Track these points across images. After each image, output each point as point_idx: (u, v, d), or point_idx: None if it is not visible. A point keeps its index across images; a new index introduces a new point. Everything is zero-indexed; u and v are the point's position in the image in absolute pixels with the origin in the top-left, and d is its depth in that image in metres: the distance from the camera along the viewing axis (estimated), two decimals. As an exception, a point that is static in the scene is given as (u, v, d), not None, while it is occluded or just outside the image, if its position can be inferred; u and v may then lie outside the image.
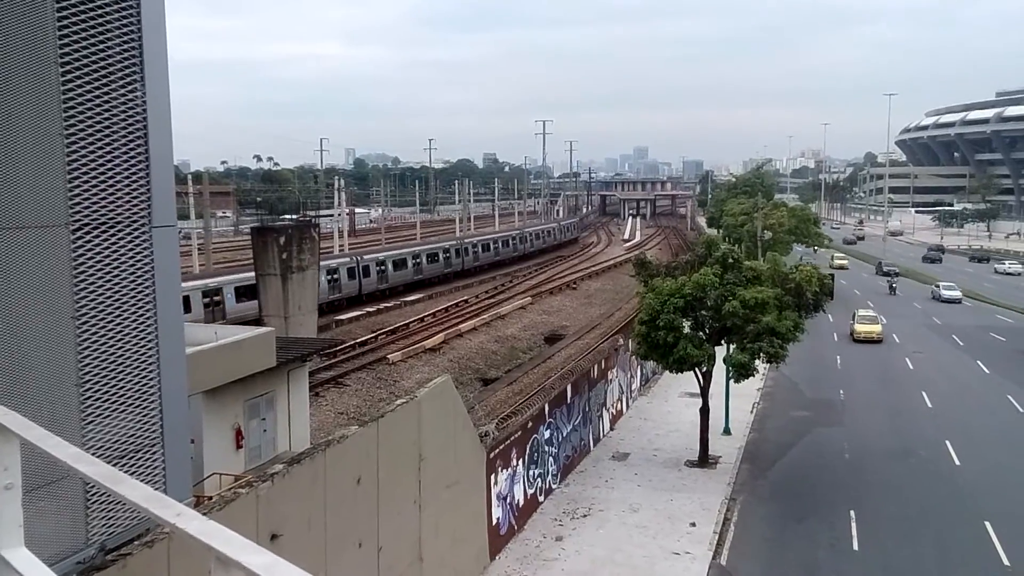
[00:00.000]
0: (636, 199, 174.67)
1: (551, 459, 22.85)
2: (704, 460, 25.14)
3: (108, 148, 7.84)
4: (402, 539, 14.43)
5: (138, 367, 8.21)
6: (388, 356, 35.92)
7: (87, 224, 7.68)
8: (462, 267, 66.95)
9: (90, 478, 2.85)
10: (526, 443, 21.01)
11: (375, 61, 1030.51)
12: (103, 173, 7.81)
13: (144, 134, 8.16)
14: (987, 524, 20.79)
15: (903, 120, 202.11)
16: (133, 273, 8.16)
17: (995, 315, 57.27)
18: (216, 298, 39.85)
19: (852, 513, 21.60)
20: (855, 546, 19.86)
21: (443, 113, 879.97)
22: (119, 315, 8.01)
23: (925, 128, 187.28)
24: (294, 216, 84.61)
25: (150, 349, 8.34)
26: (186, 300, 33.97)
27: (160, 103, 8.31)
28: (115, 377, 7.96)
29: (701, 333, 24.95)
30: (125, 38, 7.91)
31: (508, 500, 19.67)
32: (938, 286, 65.08)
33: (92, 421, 7.74)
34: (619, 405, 30.42)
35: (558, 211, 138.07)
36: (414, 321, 45.18)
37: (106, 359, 7.86)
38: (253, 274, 40.69)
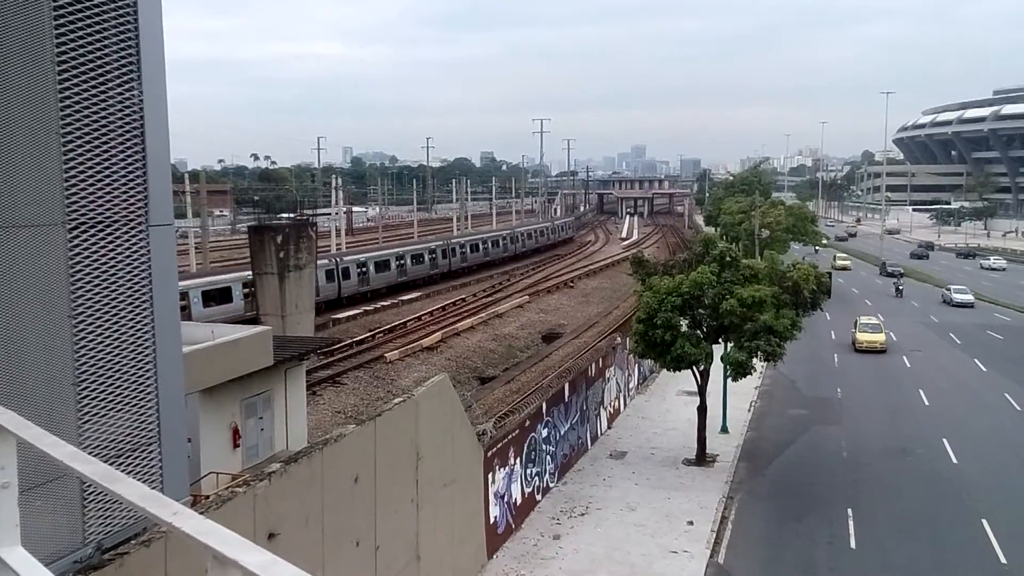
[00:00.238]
0: (634, 197, 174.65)
1: (549, 458, 22.86)
2: (702, 458, 25.16)
3: (105, 147, 7.84)
4: (400, 538, 14.44)
5: (135, 366, 8.20)
6: (385, 355, 35.88)
7: (84, 223, 7.67)
8: (449, 268, 63.73)
9: (87, 477, 2.85)
10: (524, 442, 21.02)
11: (373, 60, 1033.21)
12: (100, 172, 7.80)
13: (141, 133, 8.16)
14: (984, 522, 20.83)
15: (901, 118, 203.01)
16: (130, 272, 8.16)
17: (993, 314, 57.35)
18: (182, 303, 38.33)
19: (849, 511, 21.62)
20: (852, 544, 19.88)
21: (441, 112, 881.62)
22: (116, 314, 8.00)
23: (922, 126, 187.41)
24: (291, 215, 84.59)
25: (147, 348, 8.33)
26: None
27: (157, 103, 8.31)
28: (112, 376, 7.96)
29: (698, 331, 24.98)
30: (122, 38, 7.91)
31: (506, 499, 19.68)
32: (949, 289, 62.11)
33: (89, 420, 7.74)
34: (617, 404, 30.45)
35: (556, 210, 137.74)
36: (411, 320, 45.15)
37: (103, 358, 7.86)
38: (224, 277, 40.57)
